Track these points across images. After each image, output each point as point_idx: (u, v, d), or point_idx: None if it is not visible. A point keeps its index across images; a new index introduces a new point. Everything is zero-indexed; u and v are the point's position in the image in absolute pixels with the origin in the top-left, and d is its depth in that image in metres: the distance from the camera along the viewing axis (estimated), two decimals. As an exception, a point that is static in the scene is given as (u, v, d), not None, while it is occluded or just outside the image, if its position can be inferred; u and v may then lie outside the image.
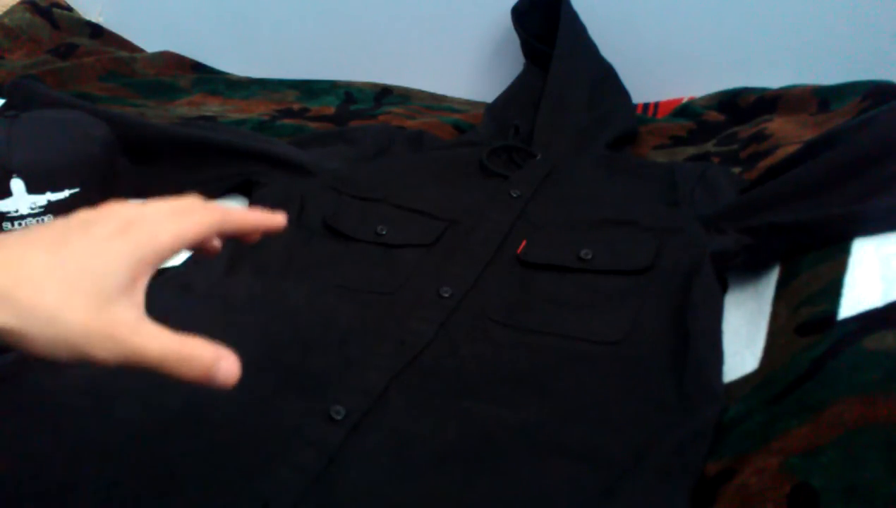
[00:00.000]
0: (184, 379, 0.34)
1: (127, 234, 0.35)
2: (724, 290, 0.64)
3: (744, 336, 0.59)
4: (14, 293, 0.31)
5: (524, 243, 0.69)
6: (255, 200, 0.80)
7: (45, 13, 1.21)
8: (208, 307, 0.65)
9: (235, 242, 0.72)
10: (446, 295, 0.64)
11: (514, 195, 0.76)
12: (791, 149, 0.76)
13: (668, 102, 1.00)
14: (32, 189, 0.70)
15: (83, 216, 0.36)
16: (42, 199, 0.71)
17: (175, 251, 0.37)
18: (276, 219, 0.43)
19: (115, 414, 0.53)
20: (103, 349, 0.32)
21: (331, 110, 1.05)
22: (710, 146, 0.88)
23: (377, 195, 0.77)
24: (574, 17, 0.95)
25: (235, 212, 0.41)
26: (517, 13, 0.98)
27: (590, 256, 0.66)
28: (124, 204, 0.38)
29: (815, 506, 0.40)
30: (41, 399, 0.55)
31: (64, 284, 0.32)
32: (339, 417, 0.52)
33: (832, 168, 0.63)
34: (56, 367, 0.57)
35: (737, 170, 0.80)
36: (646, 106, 1.01)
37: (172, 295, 0.66)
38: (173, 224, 0.37)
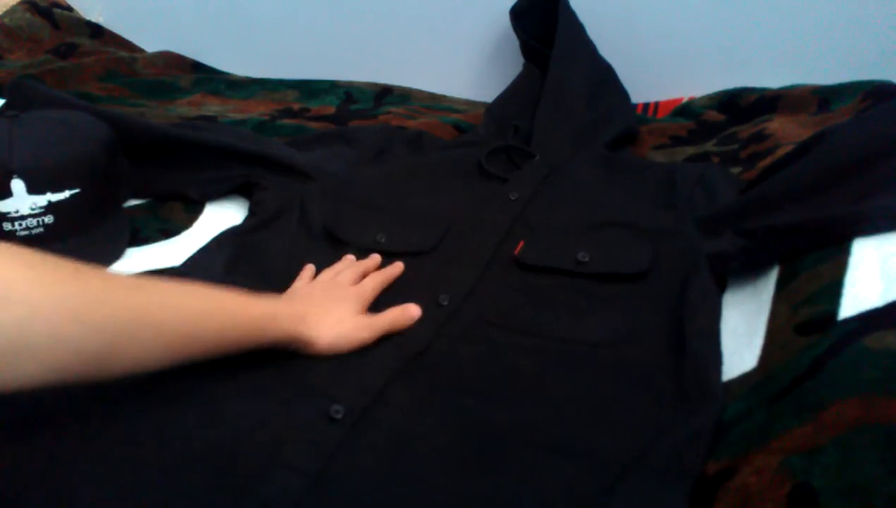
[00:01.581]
0: (403, 328, 0.62)
1: (350, 297, 0.64)
2: (722, 289, 0.64)
3: (742, 334, 0.59)
4: (312, 330, 0.58)
5: (521, 244, 0.69)
6: (255, 203, 0.80)
7: (45, 13, 1.21)
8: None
9: (234, 244, 0.73)
10: (444, 303, 0.64)
11: (513, 197, 0.76)
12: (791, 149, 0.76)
13: (668, 102, 1.00)
14: (33, 189, 0.70)
15: (327, 289, 0.65)
16: (43, 200, 0.71)
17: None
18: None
19: (115, 417, 0.53)
20: (364, 335, 0.60)
21: (331, 110, 1.05)
22: (710, 146, 0.88)
23: (377, 202, 0.77)
24: (572, 17, 0.95)
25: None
26: (516, 14, 0.98)
27: (587, 259, 0.66)
28: (336, 284, 0.66)
29: (815, 506, 0.40)
30: (41, 402, 0.55)
31: (332, 320, 0.60)
32: (338, 416, 0.52)
33: (826, 169, 0.63)
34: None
35: (737, 169, 0.80)
36: (646, 106, 1.01)
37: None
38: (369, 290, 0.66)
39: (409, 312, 0.63)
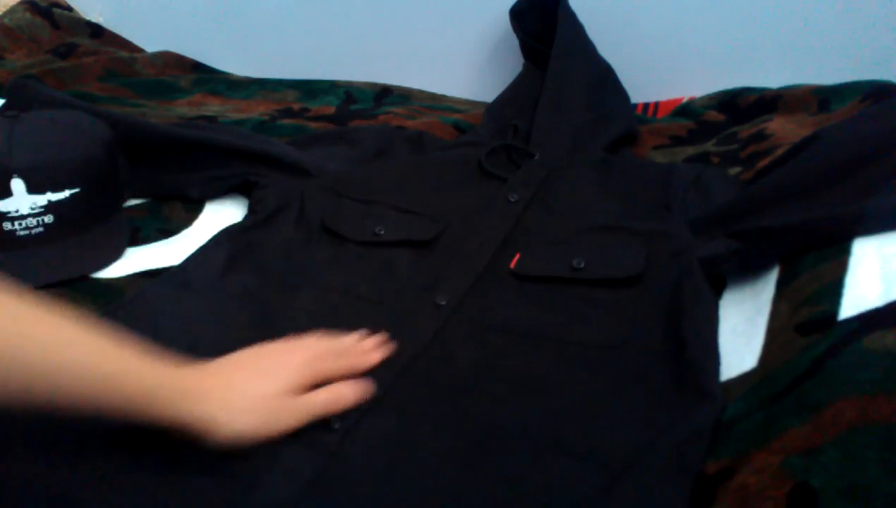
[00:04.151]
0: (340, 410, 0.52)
1: (285, 370, 0.52)
2: (720, 289, 0.64)
3: (742, 334, 0.59)
4: (210, 413, 0.47)
5: (517, 257, 0.69)
6: (255, 201, 0.80)
7: (45, 13, 1.21)
8: (205, 304, 0.66)
9: (233, 242, 0.73)
10: (442, 302, 0.64)
11: (512, 199, 0.76)
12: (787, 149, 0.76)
13: (668, 102, 1.00)
14: (33, 189, 0.71)
15: (264, 356, 0.53)
16: (42, 199, 0.71)
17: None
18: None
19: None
20: (289, 422, 0.50)
21: (331, 110, 1.05)
22: (709, 146, 0.88)
23: (376, 198, 0.78)
24: (571, 17, 0.95)
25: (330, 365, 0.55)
26: (515, 14, 0.97)
27: (582, 265, 0.66)
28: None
29: (815, 506, 0.40)
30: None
31: (249, 402, 0.50)
32: (335, 422, 0.52)
33: (820, 169, 0.63)
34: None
35: (736, 169, 0.80)
36: (646, 106, 1.01)
37: (171, 292, 0.67)
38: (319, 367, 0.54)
39: (348, 397, 0.53)
